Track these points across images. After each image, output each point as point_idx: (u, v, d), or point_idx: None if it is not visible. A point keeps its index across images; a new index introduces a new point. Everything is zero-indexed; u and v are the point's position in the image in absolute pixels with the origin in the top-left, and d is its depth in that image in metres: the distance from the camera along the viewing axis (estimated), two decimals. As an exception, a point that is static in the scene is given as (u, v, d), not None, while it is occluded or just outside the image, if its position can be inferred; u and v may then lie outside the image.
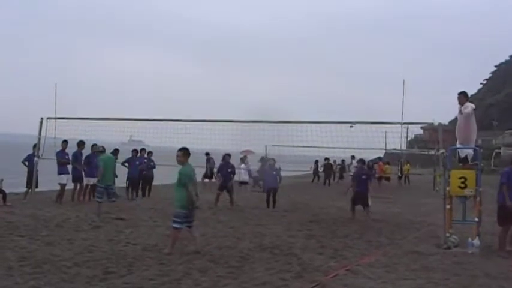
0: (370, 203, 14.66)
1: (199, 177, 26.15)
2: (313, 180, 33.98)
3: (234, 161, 18.79)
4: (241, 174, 21.64)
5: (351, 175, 16.71)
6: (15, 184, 18.22)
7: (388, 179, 32.31)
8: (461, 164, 10.82)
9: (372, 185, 15.93)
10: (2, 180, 15.36)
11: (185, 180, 9.05)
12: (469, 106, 10.68)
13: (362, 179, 14.91)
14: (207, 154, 24.36)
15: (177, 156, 9.39)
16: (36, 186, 16.05)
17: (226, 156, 17.25)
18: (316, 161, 33.93)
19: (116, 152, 18.71)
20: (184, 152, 9.37)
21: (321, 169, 33.46)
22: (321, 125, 13.86)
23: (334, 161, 34.16)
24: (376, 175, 30.11)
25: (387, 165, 33.49)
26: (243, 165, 22.14)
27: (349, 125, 13.20)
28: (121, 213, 13.87)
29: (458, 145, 10.89)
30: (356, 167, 17.12)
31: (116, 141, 18.37)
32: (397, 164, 36.57)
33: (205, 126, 15.39)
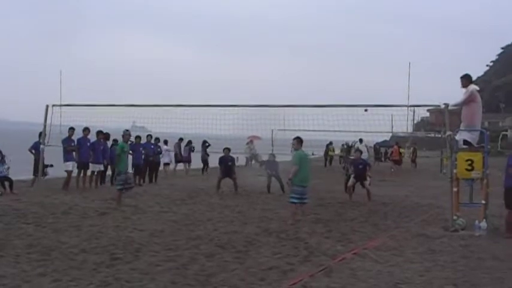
0: (369, 181, 14.83)
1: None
2: (325, 165, 34.15)
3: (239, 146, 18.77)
4: (164, 156, 22.02)
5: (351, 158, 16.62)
6: (22, 172, 18.26)
7: (400, 162, 32.55)
8: (466, 146, 10.72)
9: (370, 171, 15.77)
10: (8, 167, 15.38)
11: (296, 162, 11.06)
12: (468, 90, 10.56)
13: (359, 168, 14.99)
14: (165, 142, 24.34)
15: (292, 144, 11.64)
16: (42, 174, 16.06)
17: (226, 150, 17.24)
18: (329, 144, 34.32)
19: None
20: (298, 140, 11.41)
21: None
22: (327, 109, 13.80)
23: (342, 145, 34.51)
24: (394, 158, 30.64)
25: (402, 149, 33.82)
26: (165, 147, 22.49)
27: (363, 108, 13.24)
28: (128, 199, 13.93)
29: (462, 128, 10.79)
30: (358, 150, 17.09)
31: (118, 127, 18.38)
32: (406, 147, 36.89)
33: (209, 111, 15.35)
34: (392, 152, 32.93)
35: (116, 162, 13.59)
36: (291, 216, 10.98)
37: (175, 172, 24.36)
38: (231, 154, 17.32)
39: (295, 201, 11.04)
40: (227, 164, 16.84)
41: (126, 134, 14.16)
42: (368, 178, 14.85)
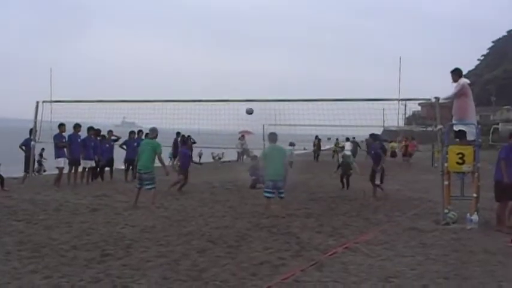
0: (377, 181, 14.40)
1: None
2: (315, 159, 34.44)
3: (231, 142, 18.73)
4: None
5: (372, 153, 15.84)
6: (14, 169, 18.19)
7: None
8: (457, 140, 10.76)
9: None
10: (0, 164, 15.32)
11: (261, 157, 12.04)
12: (459, 84, 10.58)
13: (371, 153, 14.91)
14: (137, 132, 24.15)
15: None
16: (33, 171, 16.00)
17: (189, 141, 16.47)
18: (317, 137, 34.75)
19: (110, 133, 18.79)
20: (268, 135, 11.90)
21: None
22: (318, 103, 13.76)
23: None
24: (415, 150, 31.82)
25: (394, 143, 34.33)
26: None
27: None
28: (119, 195, 13.91)
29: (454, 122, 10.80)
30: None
31: (109, 123, 18.36)
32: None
33: (200, 106, 15.29)
34: (407, 145, 33.42)
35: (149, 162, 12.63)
36: (265, 207, 11.32)
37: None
38: (225, 149, 16.92)
39: (266, 194, 11.31)
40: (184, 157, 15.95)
41: (155, 131, 12.99)
42: (376, 176, 14.45)
